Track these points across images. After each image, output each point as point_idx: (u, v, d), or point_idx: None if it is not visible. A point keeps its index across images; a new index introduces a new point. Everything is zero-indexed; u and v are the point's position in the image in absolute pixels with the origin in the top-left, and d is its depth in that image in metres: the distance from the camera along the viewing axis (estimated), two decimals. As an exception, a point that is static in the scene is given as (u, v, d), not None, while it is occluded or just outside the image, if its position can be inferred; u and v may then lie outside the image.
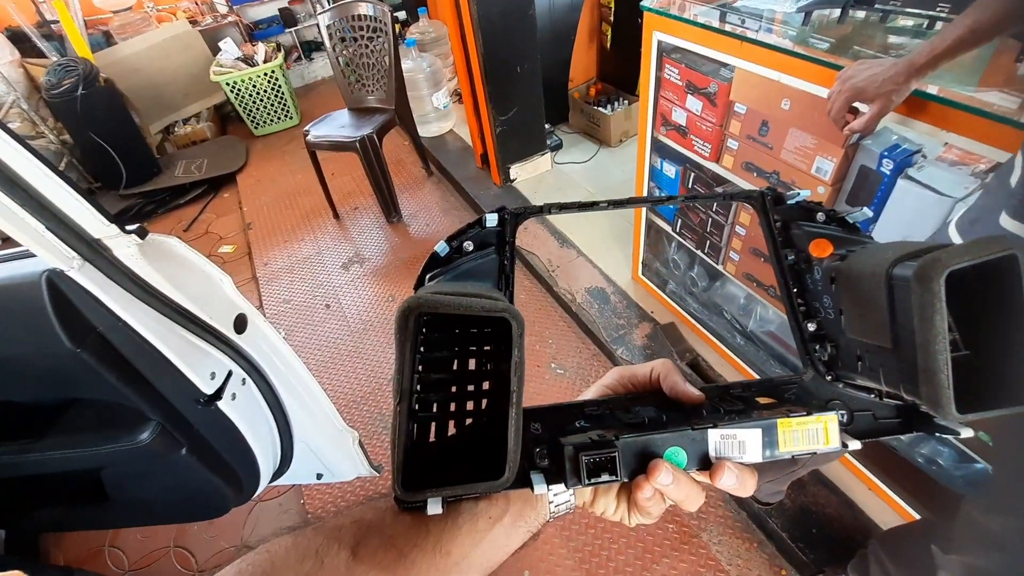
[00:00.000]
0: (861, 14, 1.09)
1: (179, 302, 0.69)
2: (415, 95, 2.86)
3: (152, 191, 3.07)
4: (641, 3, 1.31)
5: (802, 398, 0.37)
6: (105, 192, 3.05)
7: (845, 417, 0.35)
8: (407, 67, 2.73)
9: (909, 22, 1.04)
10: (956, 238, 0.71)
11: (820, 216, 0.39)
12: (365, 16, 2.36)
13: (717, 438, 0.33)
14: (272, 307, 2.31)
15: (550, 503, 0.36)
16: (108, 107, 2.86)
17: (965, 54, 0.73)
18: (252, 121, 3.60)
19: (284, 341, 0.93)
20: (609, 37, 2.62)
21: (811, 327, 0.38)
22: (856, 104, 0.88)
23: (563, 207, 0.38)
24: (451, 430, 0.35)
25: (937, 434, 0.32)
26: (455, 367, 0.35)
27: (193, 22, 3.63)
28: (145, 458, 0.82)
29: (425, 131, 3.02)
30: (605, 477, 0.31)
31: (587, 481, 0.31)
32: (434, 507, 0.29)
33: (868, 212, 0.38)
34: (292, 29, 4.02)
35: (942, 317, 0.26)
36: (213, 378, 0.78)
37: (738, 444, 0.33)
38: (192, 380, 0.75)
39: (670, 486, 0.31)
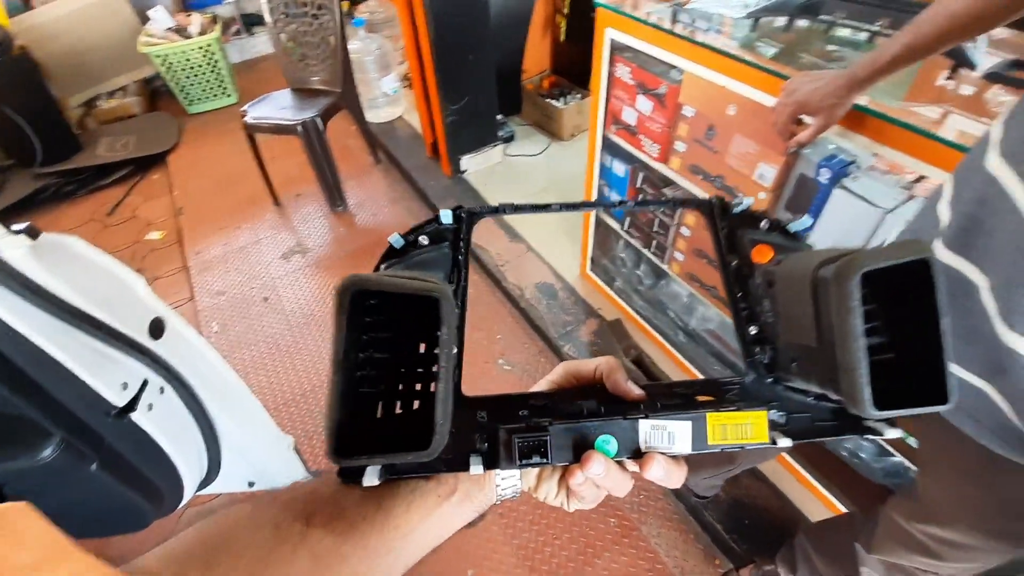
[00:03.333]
0: (806, 23, 1.12)
1: (81, 308, 0.62)
2: (363, 78, 2.75)
3: (72, 170, 2.81)
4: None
5: (743, 398, 0.37)
6: (18, 170, 2.77)
7: (784, 419, 0.36)
8: (354, 48, 2.61)
9: (850, 34, 1.07)
10: None
11: (764, 224, 0.40)
12: (309, -8, 2.23)
13: (648, 428, 0.34)
14: (205, 299, 2.17)
15: (497, 486, 0.38)
16: (23, 77, 2.59)
17: (905, 68, 0.76)
18: (186, 97, 3.35)
19: (209, 345, 0.86)
20: (563, 29, 2.60)
21: (753, 330, 0.39)
22: (802, 116, 0.90)
23: (517, 208, 0.41)
24: (400, 411, 0.36)
25: (866, 436, 0.34)
26: (406, 352, 0.36)
27: (118, -14, 3.32)
28: (48, 475, 0.74)
29: (373, 116, 2.92)
30: (536, 459, 0.33)
31: (519, 463, 0.33)
32: (370, 478, 0.31)
33: (808, 220, 0.39)
34: (232, 0, 3.77)
35: (857, 315, 0.27)
36: (125, 388, 0.71)
37: (668, 435, 0.34)
38: (100, 391, 0.68)
39: (601, 475, 0.33)
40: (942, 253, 0.55)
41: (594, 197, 1.70)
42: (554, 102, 2.61)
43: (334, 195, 2.47)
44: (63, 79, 2.99)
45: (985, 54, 0.89)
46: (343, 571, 0.32)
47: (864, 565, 0.84)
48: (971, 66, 0.86)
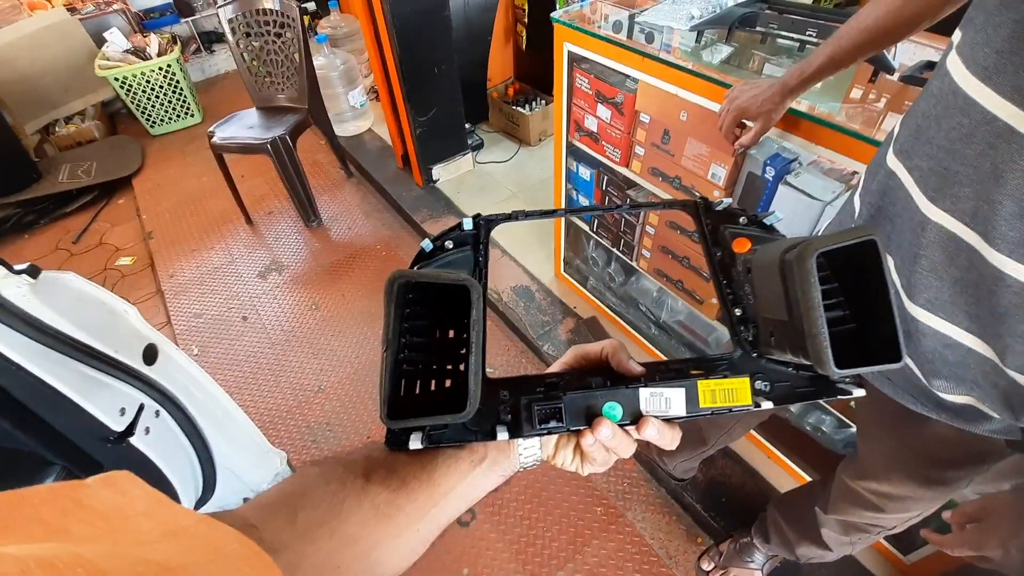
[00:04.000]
0: (745, 33, 1.20)
1: (80, 339, 0.65)
2: (329, 93, 2.76)
3: (32, 199, 2.75)
4: (552, 15, 1.36)
5: (731, 371, 0.42)
6: (-26, 202, 2.71)
7: (767, 387, 0.41)
8: (319, 64, 2.63)
9: (783, 43, 1.16)
10: None
11: (742, 219, 0.47)
12: (270, 11, 2.25)
13: (647, 395, 0.39)
14: (182, 322, 2.17)
15: (520, 455, 0.44)
16: (-29, 105, 2.53)
17: (831, 76, 0.84)
18: (147, 119, 3.31)
19: (199, 367, 0.90)
20: (525, 38, 2.67)
21: (737, 311, 0.44)
22: (744, 120, 0.98)
23: (528, 215, 0.48)
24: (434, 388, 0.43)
25: (838, 396, 0.40)
26: (439, 336, 0.42)
27: (72, 10, 3.27)
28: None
29: (342, 130, 2.94)
30: (553, 424, 0.39)
31: (538, 427, 0.39)
32: (415, 443, 0.37)
33: (779, 215, 0.46)
34: (189, 19, 3.73)
35: (815, 288, 0.32)
36: (123, 414, 0.74)
37: (664, 400, 0.39)
38: (99, 418, 0.71)
39: (609, 437, 0.39)
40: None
41: (563, 202, 1.77)
42: (520, 109, 2.67)
43: (307, 211, 2.49)
44: (17, 106, 2.93)
45: (903, 57, 0.99)
46: (399, 518, 0.38)
47: (824, 527, 0.92)
48: (890, 71, 0.95)
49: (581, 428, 0.39)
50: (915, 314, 0.56)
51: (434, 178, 2.58)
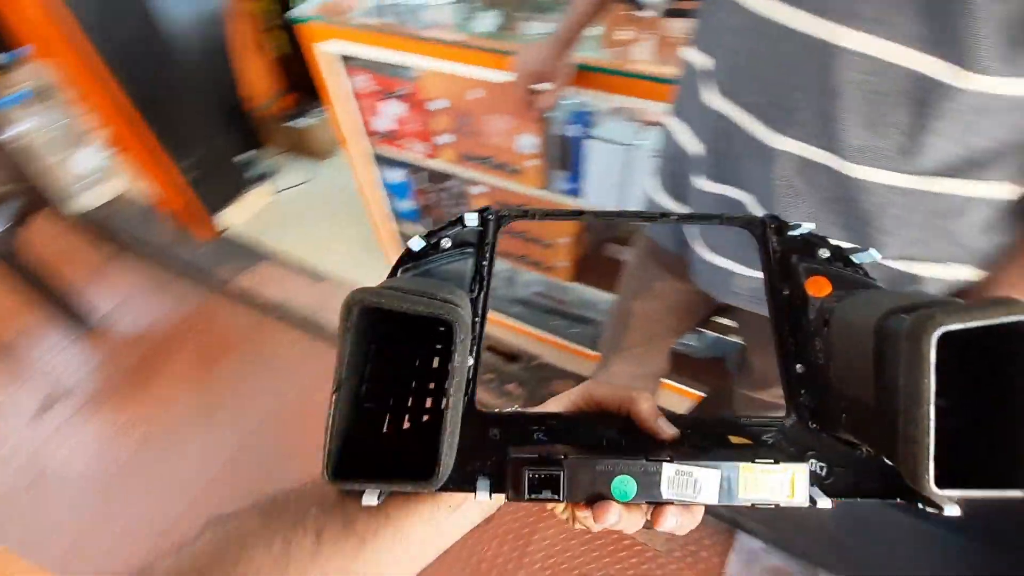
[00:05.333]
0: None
1: None
2: (53, 160, 2.20)
3: None
4: (288, 14, 1.18)
5: (780, 444, 0.35)
6: None
7: (824, 471, 0.33)
8: (24, 129, 2.06)
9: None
10: (664, 197, 0.74)
11: (823, 252, 0.36)
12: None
13: (671, 473, 0.30)
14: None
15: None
16: None
17: (595, 19, 0.84)
18: None
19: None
20: (280, 45, 2.37)
21: (799, 369, 0.35)
22: (536, 86, 0.94)
23: (548, 214, 0.39)
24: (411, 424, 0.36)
25: (920, 505, 0.30)
26: (418, 363, 0.36)
27: None
28: None
29: (86, 201, 2.37)
30: (547, 495, 0.31)
31: (527, 496, 0.31)
32: (370, 498, 0.30)
33: (876, 255, 0.35)
34: None
35: (929, 381, 0.23)
36: None
37: (693, 482, 0.30)
38: None
39: (613, 524, 0.31)
40: (706, 184, 0.62)
41: (385, 214, 1.62)
42: (298, 123, 2.41)
43: (74, 314, 1.98)
44: None
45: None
46: None
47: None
48: (638, 5, 0.98)
49: (581, 502, 0.32)
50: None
51: (223, 226, 2.21)
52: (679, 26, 0.95)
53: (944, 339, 0.23)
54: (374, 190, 1.56)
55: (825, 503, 0.31)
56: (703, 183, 0.62)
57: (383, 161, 1.46)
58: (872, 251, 0.35)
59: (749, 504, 0.30)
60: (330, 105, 1.33)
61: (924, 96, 0.43)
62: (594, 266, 1.45)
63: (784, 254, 0.37)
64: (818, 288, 0.35)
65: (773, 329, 0.37)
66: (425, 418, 0.35)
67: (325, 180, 2.44)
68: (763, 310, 0.38)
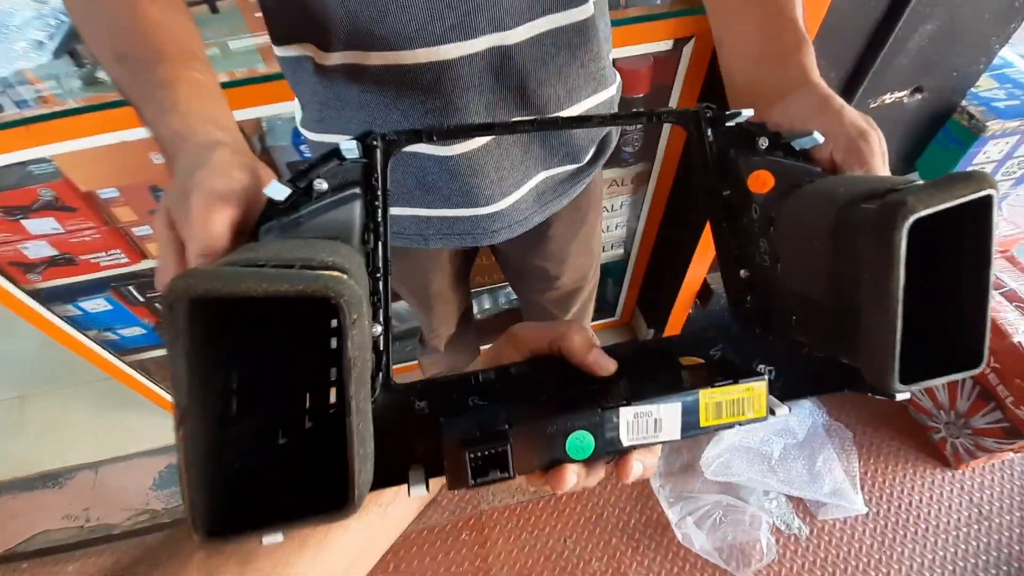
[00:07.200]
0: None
1: None
2: None
3: None
4: None
5: (728, 356, 0.32)
6: None
7: (774, 375, 0.31)
8: None
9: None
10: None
11: (762, 142, 0.32)
12: None
13: (630, 417, 0.27)
14: None
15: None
16: None
17: None
18: None
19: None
20: None
21: (743, 274, 0.32)
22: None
23: (449, 131, 0.31)
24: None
25: (870, 393, 0.30)
26: (307, 344, 0.28)
27: None
28: None
29: None
30: (495, 475, 0.26)
31: (472, 482, 0.25)
32: (272, 537, 0.23)
33: (820, 138, 0.31)
34: None
35: (898, 276, 0.21)
36: None
37: (653, 423, 0.27)
38: None
39: (573, 486, 0.27)
40: (310, 135, 0.58)
41: (109, 354, 1.23)
42: None
43: None
44: None
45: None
46: None
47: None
48: None
49: (535, 472, 0.27)
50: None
51: None
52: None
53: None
54: (73, 332, 1.16)
55: (783, 410, 0.29)
56: (306, 133, 0.58)
57: (69, 295, 1.09)
58: (816, 134, 0.32)
59: (712, 431, 0.28)
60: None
61: None
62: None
63: (721, 149, 0.33)
64: (760, 184, 0.32)
65: (714, 235, 0.34)
66: (332, 412, 0.28)
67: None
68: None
